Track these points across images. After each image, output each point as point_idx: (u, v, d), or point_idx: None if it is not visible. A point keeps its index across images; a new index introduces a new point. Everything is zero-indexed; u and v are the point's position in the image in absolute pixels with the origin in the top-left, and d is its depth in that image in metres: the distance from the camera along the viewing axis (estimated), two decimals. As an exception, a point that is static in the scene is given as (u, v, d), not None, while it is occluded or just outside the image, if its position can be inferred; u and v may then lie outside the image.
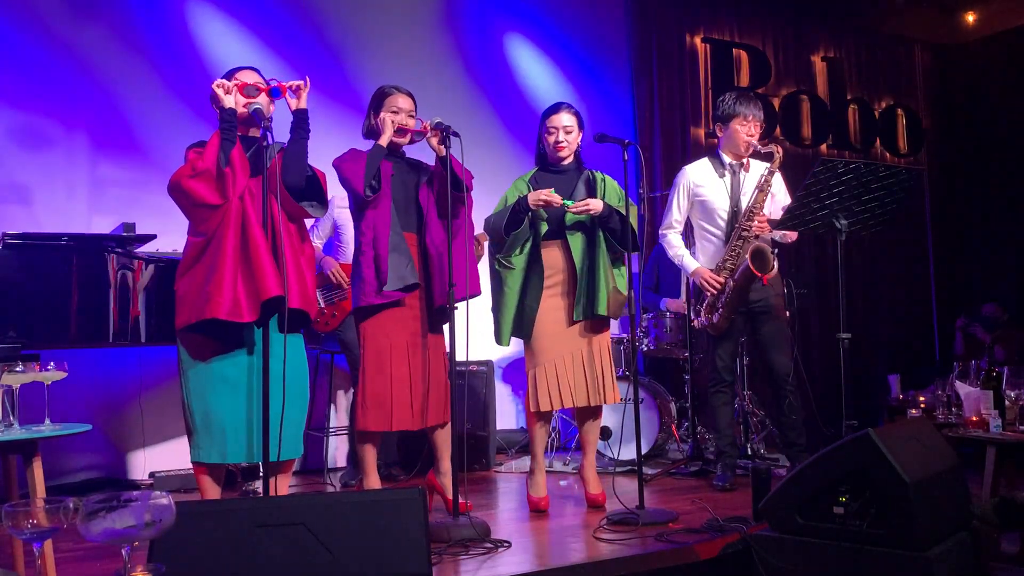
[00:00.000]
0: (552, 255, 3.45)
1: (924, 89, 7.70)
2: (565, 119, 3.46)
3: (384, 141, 3.23)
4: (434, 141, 3.22)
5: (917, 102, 7.62)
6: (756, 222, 3.76)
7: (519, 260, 3.43)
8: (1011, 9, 7.30)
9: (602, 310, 3.38)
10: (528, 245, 3.44)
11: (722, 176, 3.92)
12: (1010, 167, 7.33)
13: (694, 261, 3.94)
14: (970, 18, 7.56)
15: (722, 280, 3.80)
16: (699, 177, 3.96)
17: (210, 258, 2.73)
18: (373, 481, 3.30)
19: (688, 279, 4.67)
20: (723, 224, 3.90)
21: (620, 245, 3.41)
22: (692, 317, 4.68)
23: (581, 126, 3.51)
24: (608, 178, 3.55)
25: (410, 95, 3.34)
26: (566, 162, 3.51)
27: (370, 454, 3.29)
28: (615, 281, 3.44)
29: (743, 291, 3.78)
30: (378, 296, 3.17)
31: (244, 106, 2.85)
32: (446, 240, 3.17)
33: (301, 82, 2.92)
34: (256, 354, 2.81)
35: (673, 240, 4.00)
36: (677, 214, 3.99)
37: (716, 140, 4.13)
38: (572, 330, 3.44)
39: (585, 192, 3.47)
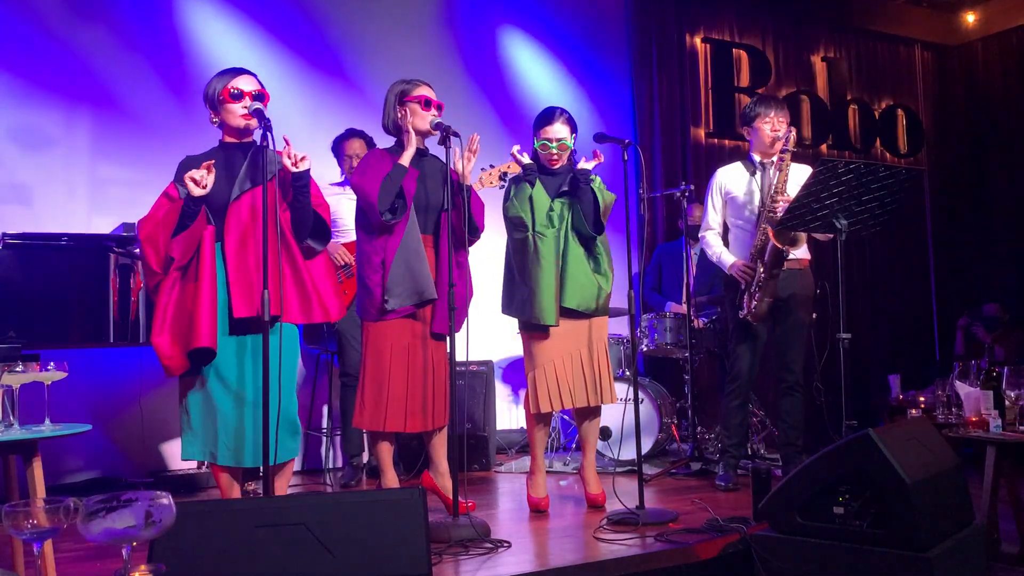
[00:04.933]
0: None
1: (924, 89, 7.69)
2: (559, 130, 3.44)
3: (406, 160, 3.18)
4: (457, 162, 3.16)
5: (917, 102, 7.62)
6: (781, 202, 3.74)
7: (552, 233, 3.38)
8: (1011, 9, 7.30)
9: (568, 302, 3.36)
10: (559, 224, 3.39)
11: (753, 174, 3.97)
12: (1010, 167, 7.33)
13: (731, 257, 3.96)
14: (970, 18, 7.57)
15: (752, 266, 3.81)
16: (729, 177, 4.02)
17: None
18: (389, 479, 3.30)
19: (690, 280, 4.70)
20: (755, 219, 3.92)
21: (587, 219, 3.37)
22: (693, 317, 4.70)
23: (574, 131, 3.50)
24: (596, 177, 3.51)
25: (430, 86, 3.31)
26: (559, 167, 3.51)
27: (385, 452, 3.29)
28: (592, 274, 3.41)
29: (773, 270, 3.76)
30: (378, 318, 3.16)
31: (244, 110, 2.83)
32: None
33: (302, 155, 2.85)
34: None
35: (711, 240, 4.04)
36: (713, 215, 4.05)
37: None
38: (570, 330, 3.43)
39: (572, 185, 3.44)
